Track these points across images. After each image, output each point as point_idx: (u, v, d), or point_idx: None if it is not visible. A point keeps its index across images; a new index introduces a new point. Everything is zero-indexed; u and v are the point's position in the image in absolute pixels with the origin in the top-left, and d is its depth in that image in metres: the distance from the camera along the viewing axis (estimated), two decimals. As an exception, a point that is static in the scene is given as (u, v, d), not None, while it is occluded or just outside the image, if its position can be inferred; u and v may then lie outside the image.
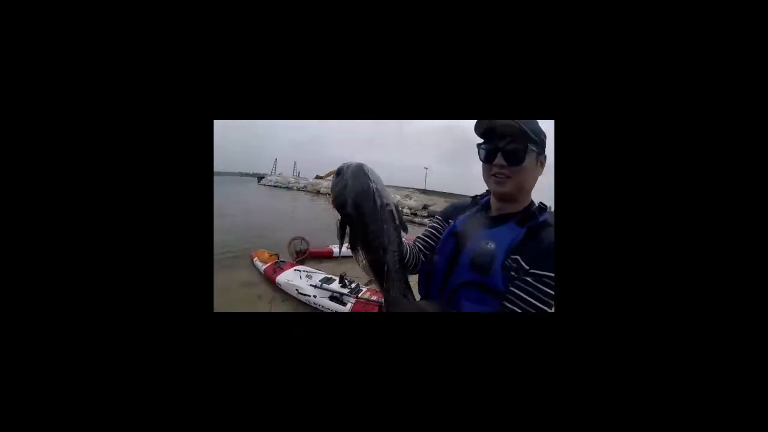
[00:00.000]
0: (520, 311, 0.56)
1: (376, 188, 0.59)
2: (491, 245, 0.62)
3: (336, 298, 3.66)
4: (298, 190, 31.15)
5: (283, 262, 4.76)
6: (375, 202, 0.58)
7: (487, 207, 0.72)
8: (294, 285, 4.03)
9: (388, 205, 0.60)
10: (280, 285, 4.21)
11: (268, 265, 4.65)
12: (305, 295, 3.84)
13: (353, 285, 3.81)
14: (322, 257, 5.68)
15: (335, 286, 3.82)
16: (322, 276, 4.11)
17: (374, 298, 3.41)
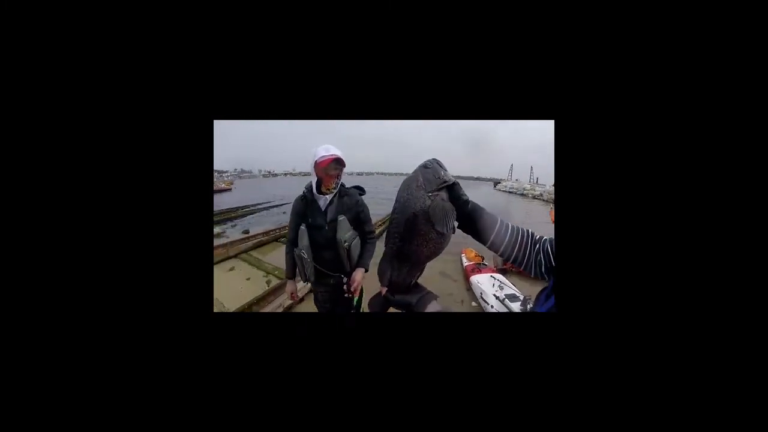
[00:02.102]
0: None
1: None
2: None
3: None
4: (533, 198, 29.41)
5: (485, 265, 4.94)
6: None
7: None
8: (481, 289, 4.13)
9: None
10: (471, 284, 4.44)
11: (471, 263, 4.90)
12: (485, 302, 3.90)
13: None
14: (525, 276, 5.71)
15: (515, 306, 3.68)
16: (510, 292, 4.07)
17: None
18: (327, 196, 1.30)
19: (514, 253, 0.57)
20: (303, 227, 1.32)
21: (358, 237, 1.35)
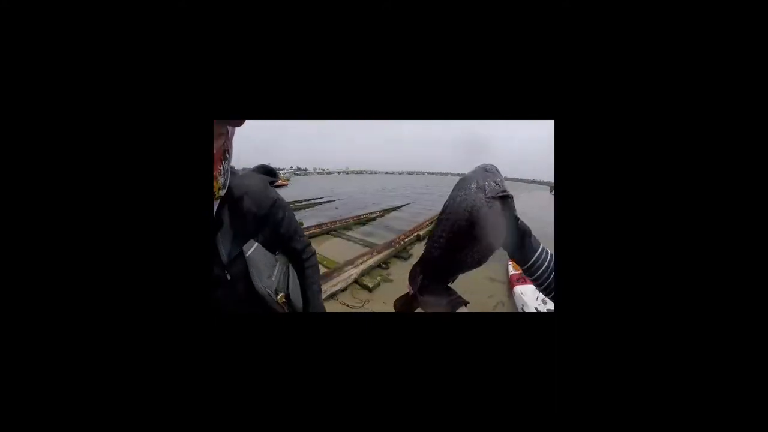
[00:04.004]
0: None
1: None
2: None
3: None
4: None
5: None
6: None
7: None
8: (524, 300, 4.11)
9: None
10: (513, 293, 4.44)
11: (516, 273, 4.84)
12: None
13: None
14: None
15: None
16: (553, 308, 4.08)
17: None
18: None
19: (542, 278, 0.55)
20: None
21: (289, 269, 0.74)
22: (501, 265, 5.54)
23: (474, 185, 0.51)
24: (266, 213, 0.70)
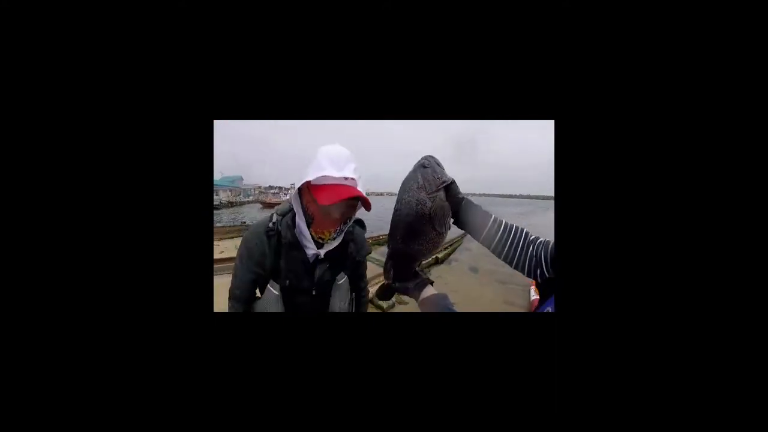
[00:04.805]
0: None
1: None
2: None
3: None
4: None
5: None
6: None
7: None
8: None
9: None
10: None
11: (537, 298, 4.75)
12: None
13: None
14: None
15: None
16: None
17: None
18: (321, 246, 0.78)
19: (505, 251, 0.60)
20: (274, 292, 0.78)
21: (354, 298, 0.91)
22: (521, 288, 5.16)
23: (415, 185, 0.56)
24: (362, 260, 0.92)
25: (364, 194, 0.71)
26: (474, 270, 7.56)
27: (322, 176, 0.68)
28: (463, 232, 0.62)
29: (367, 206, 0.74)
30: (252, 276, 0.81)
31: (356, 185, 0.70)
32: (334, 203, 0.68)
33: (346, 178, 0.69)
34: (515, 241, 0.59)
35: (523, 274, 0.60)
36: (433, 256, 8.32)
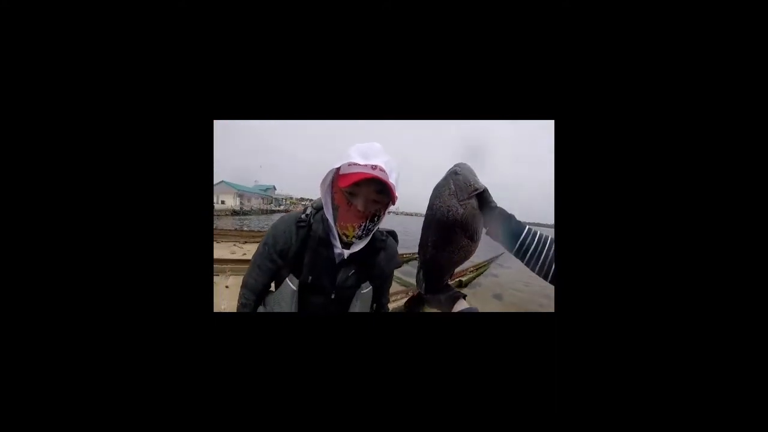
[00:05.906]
0: None
1: None
2: None
3: None
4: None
5: None
6: None
7: None
8: None
9: None
10: None
11: None
12: None
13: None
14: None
15: None
16: None
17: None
18: (348, 245, 0.74)
19: (539, 263, 0.55)
20: (292, 287, 0.75)
21: (374, 310, 0.88)
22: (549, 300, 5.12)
23: (447, 192, 0.55)
24: (391, 273, 0.89)
25: (389, 178, 0.67)
26: (498, 297, 7.31)
27: (349, 164, 0.68)
28: (491, 257, 0.62)
29: (393, 197, 0.71)
30: (270, 264, 0.78)
31: (386, 178, 0.67)
32: (354, 182, 0.66)
33: (374, 167, 0.66)
34: (551, 252, 0.55)
35: (545, 279, 0.56)
36: (458, 279, 7.96)
